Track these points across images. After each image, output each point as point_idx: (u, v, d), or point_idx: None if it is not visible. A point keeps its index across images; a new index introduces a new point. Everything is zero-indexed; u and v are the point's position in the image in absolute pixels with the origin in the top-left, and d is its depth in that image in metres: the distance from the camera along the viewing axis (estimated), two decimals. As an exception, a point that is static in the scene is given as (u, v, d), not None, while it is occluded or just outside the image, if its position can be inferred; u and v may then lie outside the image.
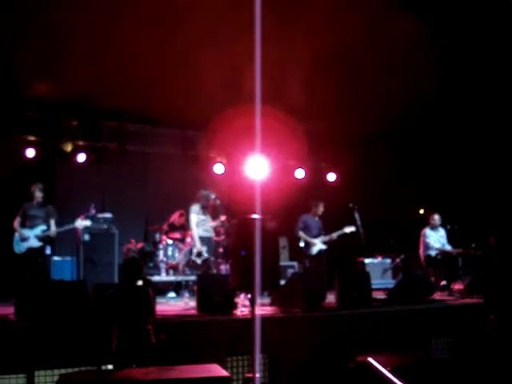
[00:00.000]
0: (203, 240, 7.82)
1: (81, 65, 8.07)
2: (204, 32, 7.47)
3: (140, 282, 8.12)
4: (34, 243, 7.66)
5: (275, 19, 6.73)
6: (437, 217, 9.21)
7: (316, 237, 8.87)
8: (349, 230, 8.94)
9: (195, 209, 7.83)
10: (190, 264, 8.13)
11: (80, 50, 7.65)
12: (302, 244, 8.92)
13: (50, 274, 8.89)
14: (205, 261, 7.78)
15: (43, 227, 7.74)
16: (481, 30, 6.69)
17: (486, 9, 6.29)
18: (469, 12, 6.39)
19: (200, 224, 7.81)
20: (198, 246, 7.67)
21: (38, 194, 7.82)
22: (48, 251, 8.02)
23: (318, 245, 8.84)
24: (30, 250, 7.64)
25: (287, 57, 8.00)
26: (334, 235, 8.92)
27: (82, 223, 7.86)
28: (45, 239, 7.76)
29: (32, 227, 7.70)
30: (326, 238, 8.90)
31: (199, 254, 7.69)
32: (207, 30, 7.41)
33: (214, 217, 9.37)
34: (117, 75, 8.61)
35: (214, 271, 8.23)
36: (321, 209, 9.03)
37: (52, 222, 7.81)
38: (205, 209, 7.98)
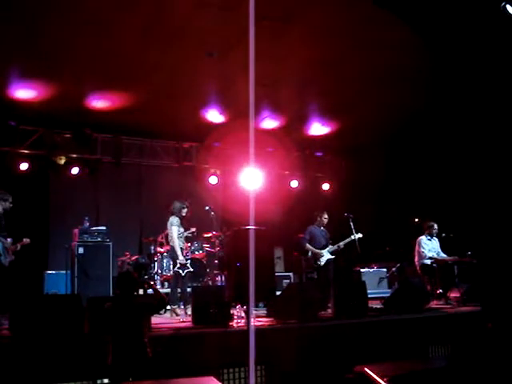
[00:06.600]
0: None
1: (77, 77, 8.10)
2: (199, 45, 7.51)
3: (141, 291, 8.11)
4: None
5: (269, 31, 6.82)
6: (436, 225, 9.20)
7: (323, 247, 8.74)
8: (356, 236, 8.65)
9: (176, 222, 7.85)
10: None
11: (77, 62, 7.68)
12: (309, 254, 8.78)
13: (44, 288, 8.86)
14: (191, 272, 7.83)
15: None
16: (471, 37, 6.75)
17: (476, 16, 6.35)
18: (459, 19, 6.45)
19: (179, 236, 7.84)
20: (182, 258, 7.69)
21: None
22: None
23: (326, 255, 8.69)
24: None
25: (280, 67, 8.05)
26: (341, 244, 8.78)
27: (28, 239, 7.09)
28: None
29: None
30: (334, 248, 8.77)
31: (183, 266, 7.71)
32: (202, 43, 7.46)
33: (209, 228, 9.36)
34: (112, 88, 8.66)
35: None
36: (325, 218, 8.92)
37: None
38: (181, 221, 8.00)
